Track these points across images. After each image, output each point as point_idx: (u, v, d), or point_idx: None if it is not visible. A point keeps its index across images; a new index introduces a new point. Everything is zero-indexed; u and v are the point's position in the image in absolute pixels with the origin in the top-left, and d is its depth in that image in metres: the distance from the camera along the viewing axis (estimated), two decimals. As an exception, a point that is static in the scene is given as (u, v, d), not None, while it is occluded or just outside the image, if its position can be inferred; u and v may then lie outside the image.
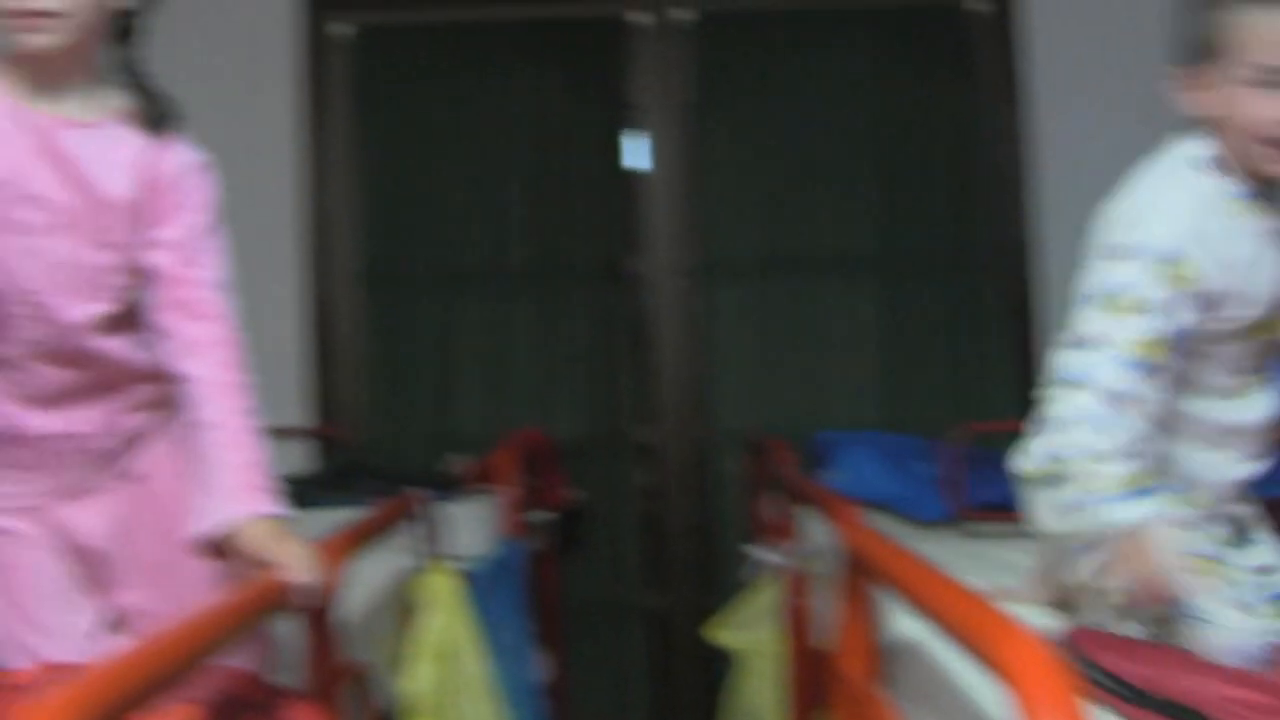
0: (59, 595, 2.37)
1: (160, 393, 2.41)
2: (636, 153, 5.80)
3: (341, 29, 5.80)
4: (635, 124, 5.80)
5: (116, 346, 2.36)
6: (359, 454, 5.40)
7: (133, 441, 2.44)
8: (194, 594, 2.28)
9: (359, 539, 2.58)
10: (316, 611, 2.26)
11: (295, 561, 2.16)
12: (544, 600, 4.46)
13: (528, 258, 5.76)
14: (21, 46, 2.22)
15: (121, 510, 2.43)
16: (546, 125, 5.79)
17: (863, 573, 2.48)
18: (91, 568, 2.41)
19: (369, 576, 2.89)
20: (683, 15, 5.78)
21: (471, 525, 4.00)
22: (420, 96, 5.82)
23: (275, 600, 2.07)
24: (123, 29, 2.36)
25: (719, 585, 5.46)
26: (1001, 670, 1.40)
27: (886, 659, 2.57)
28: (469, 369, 5.72)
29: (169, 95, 2.40)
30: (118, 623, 2.41)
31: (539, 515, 4.66)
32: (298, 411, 5.51)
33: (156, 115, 2.37)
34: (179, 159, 2.39)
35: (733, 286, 5.73)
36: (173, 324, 2.36)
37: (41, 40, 2.20)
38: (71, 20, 2.20)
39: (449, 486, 4.36)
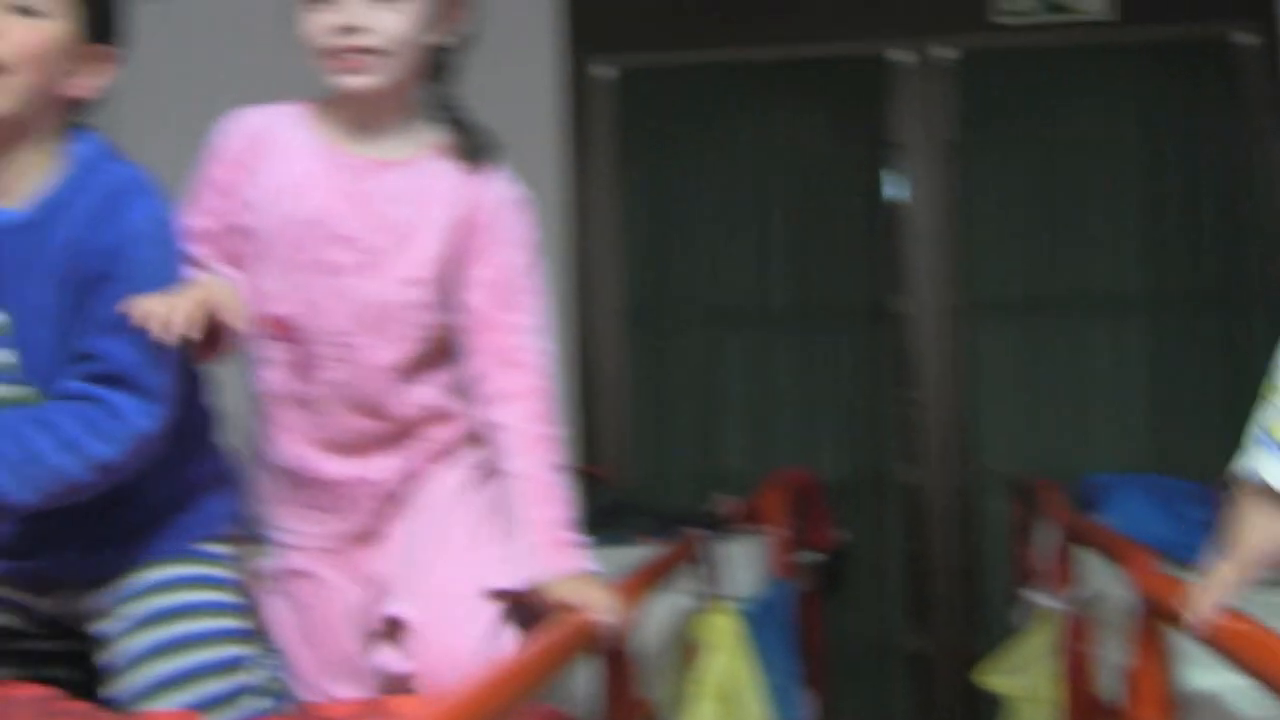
0: (351, 637, 2.36)
1: (457, 439, 2.40)
2: (898, 191, 5.79)
3: (604, 71, 5.89)
4: (897, 162, 5.79)
5: (419, 393, 2.35)
6: (624, 493, 5.43)
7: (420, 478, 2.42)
8: (462, 611, 2.26)
9: (651, 579, 2.61)
10: (615, 650, 2.28)
11: (599, 603, 2.18)
12: (809, 641, 4.46)
13: (791, 296, 5.78)
14: (343, 88, 2.24)
15: (398, 534, 2.39)
16: (808, 163, 5.82)
17: (1159, 618, 2.43)
18: (371, 602, 2.38)
19: (653, 615, 2.91)
20: (944, 53, 5.76)
21: (742, 565, 4.01)
22: (682, 136, 5.88)
23: (586, 641, 2.10)
24: (438, 66, 2.35)
25: (984, 628, 5.40)
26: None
27: (1182, 708, 2.53)
28: (732, 408, 5.74)
29: (485, 128, 2.37)
30: (383, 637, 2.34)
31: (807, 556, 4.66)
32: (563, 451, 5.56)
33: (473, 148, 2.34)
34: (496, 193, 2.36)
35: (997, 325, 5.68)
36: (484, 369, 2.35)
37: (363, 82, 2.22)
38: (391, 59, 2.21)
39: (716, 526, 4.37)
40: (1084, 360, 5.64)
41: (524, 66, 5.75)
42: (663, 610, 3.10)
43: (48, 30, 2.07)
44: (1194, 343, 5.62)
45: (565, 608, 2.17)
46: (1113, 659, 3.13)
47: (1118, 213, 5.69)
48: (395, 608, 2.26)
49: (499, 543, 2.30)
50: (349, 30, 2.18)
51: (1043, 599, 3.99)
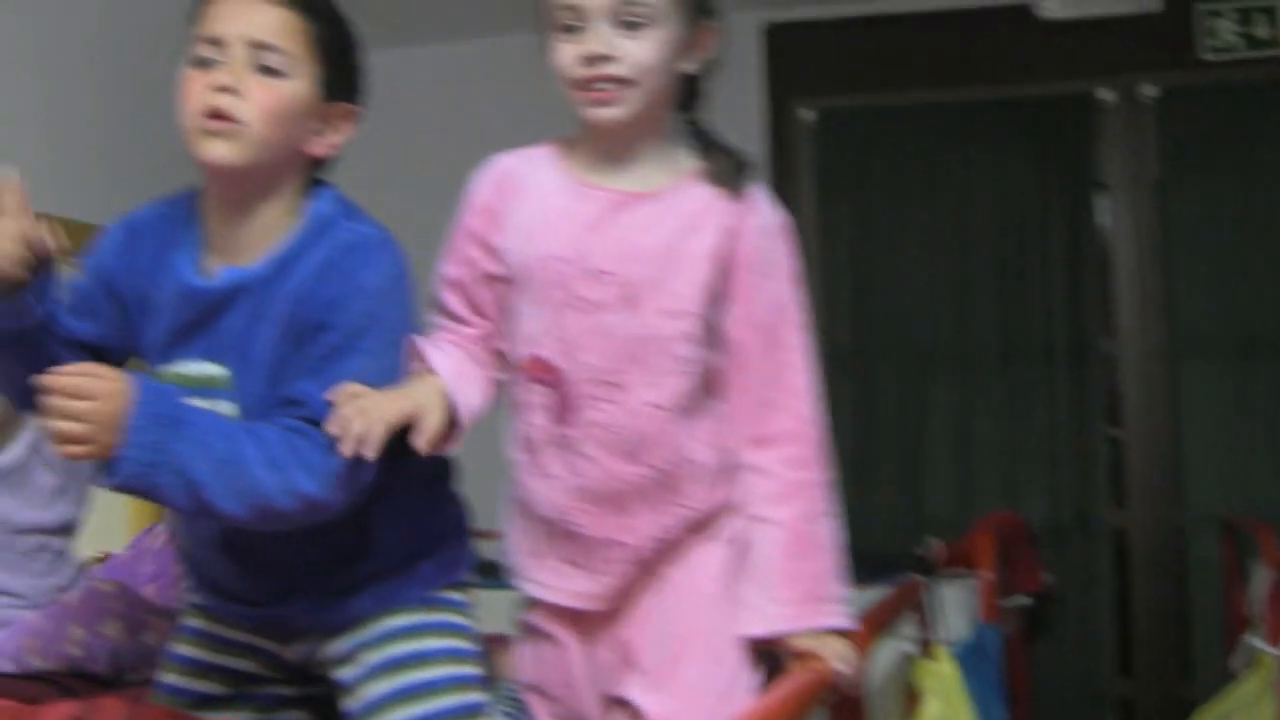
0: (587, 698, 2.32)
1: (717, 507, 2.29)
2: (1104, 229, 5.75)
3: (805, 113, 5.92)
4: (1102, 200, 5.76)
5: (683, 441, 2.24)
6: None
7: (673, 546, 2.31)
8: (694, 697, 2.23)
9: (879, 625, 2.61)
10: (847, 698, 2.28)
11: (835, 651, 2.16)
12: (1016, 685, 4.43)
13: (994, 336, 5.74)
14: (592, 119, 2.21)
15: (649, 609, 2.29)
16: (1011, 203, 5.78)
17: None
18: (611, 668, 2.33)
19: (876, 661, 2.91)
20: (1148, 90, 5.70)
21: (952, 609, 4.00)
22: (882, 177, 5.88)
23: (826, 690, 2.11)
24: (688, 93, 2.31)
25: (1194, 673, 5.33)
26: None
27: None
28: (935, 450, 5.72)
29: (741, 151, 2.29)
30: (618, 711, 2.30)
31: (1014, 600, 4.63)
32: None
33: (731, 172, 2.25)
34: (758, 220, 2.26)
35: (1204, 364, 5.57)
36: (745, 409, 2.27)
37: (611, 114, 2.18)
38: (638, 88, 2.18)
39: (926, 570, 4.35)
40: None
41: (729, 109, 5.76)
42: (884, 656, 3.10)
43: (287, 90, 2.13)
44: None
45: (804, 656, 2.17)
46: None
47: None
48: (637, 695, 2.24)
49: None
50: (597, 59, 2.16)
51: (1260, 644, 3.94)
